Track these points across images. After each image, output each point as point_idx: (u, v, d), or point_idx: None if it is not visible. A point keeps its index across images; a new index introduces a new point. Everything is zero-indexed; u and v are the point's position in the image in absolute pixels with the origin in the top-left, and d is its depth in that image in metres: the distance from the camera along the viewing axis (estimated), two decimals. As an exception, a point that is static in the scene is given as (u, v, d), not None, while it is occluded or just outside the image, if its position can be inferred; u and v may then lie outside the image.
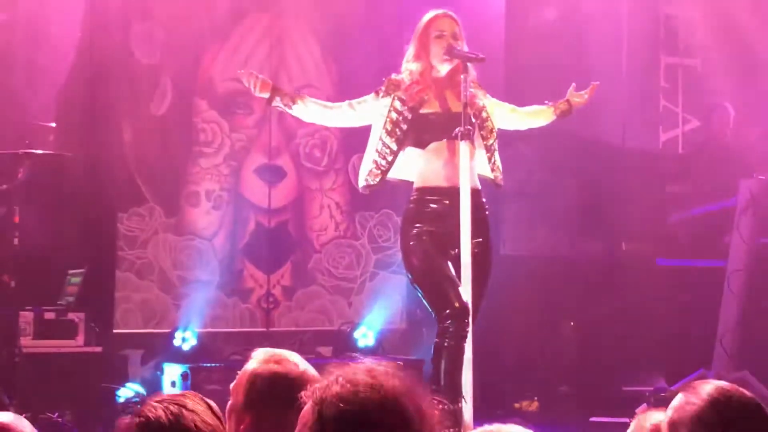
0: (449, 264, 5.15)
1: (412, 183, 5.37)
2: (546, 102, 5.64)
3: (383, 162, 5.32)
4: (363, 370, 2.08)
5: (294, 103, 5.41)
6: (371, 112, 5.38)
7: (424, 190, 5.29)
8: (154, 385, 7.54)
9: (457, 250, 5.06)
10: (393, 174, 5.37)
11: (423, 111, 5.32)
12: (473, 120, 5.20)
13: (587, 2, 8.82)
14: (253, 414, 2.80)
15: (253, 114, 8.47)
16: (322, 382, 2.07)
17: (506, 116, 5.56)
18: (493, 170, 5.41)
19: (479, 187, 5.30)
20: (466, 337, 5.02)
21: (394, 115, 5.31)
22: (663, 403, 2.71)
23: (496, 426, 2.28)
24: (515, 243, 8.63)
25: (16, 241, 6.68)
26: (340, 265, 8.77)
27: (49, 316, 7.08)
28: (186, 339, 7.83)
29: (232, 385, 2.90)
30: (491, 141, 5.39)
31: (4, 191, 6.67)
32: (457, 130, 5.07)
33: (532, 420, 7.12)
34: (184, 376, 7.33)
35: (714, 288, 8.01)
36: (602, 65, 8.29)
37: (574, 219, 8.76)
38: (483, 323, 5.27)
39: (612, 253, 8.82)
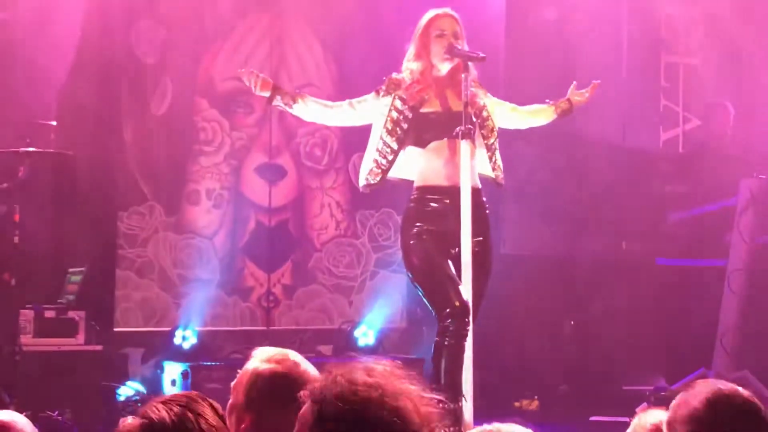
0: (449, 263, 5.15)
1: (413, 182, 5.37)
2: (547, 101, 5.64)
3: (384, 161, 5.32)
4: (362, 369, 2.08)
5: (294, 102, 5.41)
6: (372, 111, 5.38)
7: (425, 189, 5.29)
8: (154, 384, 7.55)
9: (457, 249, 5.06)
10: (393, 173, 5.37)
11: (423, 110, 5.32)
12: (474, 119, 5.20)
13: (587, 2, 8.81)
14: (253, 413, 2.81)
15: (253, 113, 8.47)
16: (322, 381, 2.08)
17: (507, 115, 5.56)
18: (494, 169, 5.41)
19: (480, 186, 5.30)
20: (466, 336, 5.02)
21: (394, 114, 5.31)
22: (663, 402, 2.71)
23: (496, 425, 2.29)
24: (515, 242, 8.62)
25: (16, 239, 6.69)
26: (340, 263, 8.77)
27: (50, 314, 7.07)
28: (186, 337, 7.83)
29: (232, 384, 2.90)
30: (492, 140, 5.39)
31: (5, 190, 6.68)
32: (457, 129, 5.06)
33: (532, 419, 7.12)
34: (184, 374, 7.34)
35: (714, 288, 8.00)
36: (602, 65, 8.29)
37: (575, 218, 8.75)
38: (483, 322, 5.27)
39: (612, 252, 8.81)
